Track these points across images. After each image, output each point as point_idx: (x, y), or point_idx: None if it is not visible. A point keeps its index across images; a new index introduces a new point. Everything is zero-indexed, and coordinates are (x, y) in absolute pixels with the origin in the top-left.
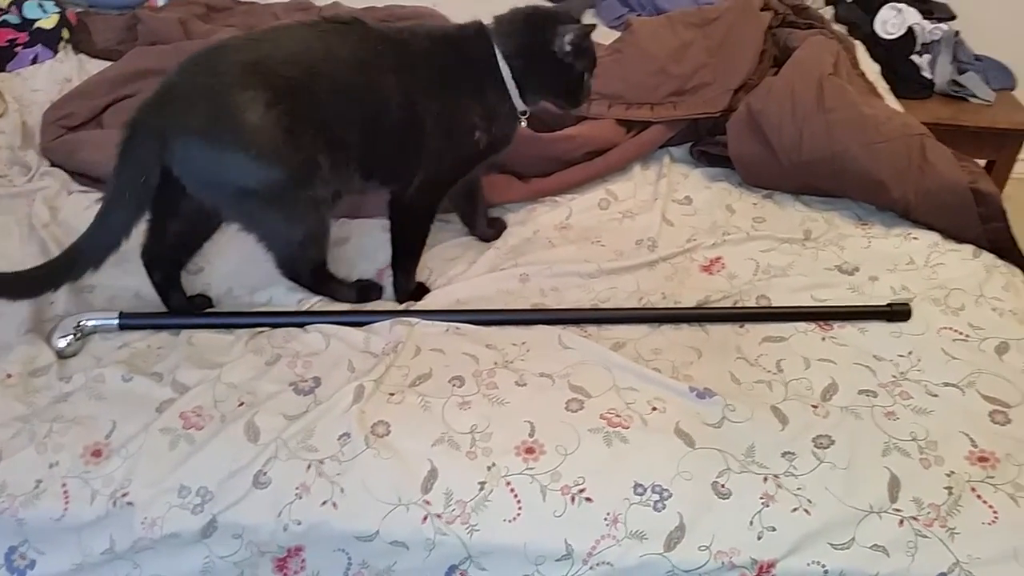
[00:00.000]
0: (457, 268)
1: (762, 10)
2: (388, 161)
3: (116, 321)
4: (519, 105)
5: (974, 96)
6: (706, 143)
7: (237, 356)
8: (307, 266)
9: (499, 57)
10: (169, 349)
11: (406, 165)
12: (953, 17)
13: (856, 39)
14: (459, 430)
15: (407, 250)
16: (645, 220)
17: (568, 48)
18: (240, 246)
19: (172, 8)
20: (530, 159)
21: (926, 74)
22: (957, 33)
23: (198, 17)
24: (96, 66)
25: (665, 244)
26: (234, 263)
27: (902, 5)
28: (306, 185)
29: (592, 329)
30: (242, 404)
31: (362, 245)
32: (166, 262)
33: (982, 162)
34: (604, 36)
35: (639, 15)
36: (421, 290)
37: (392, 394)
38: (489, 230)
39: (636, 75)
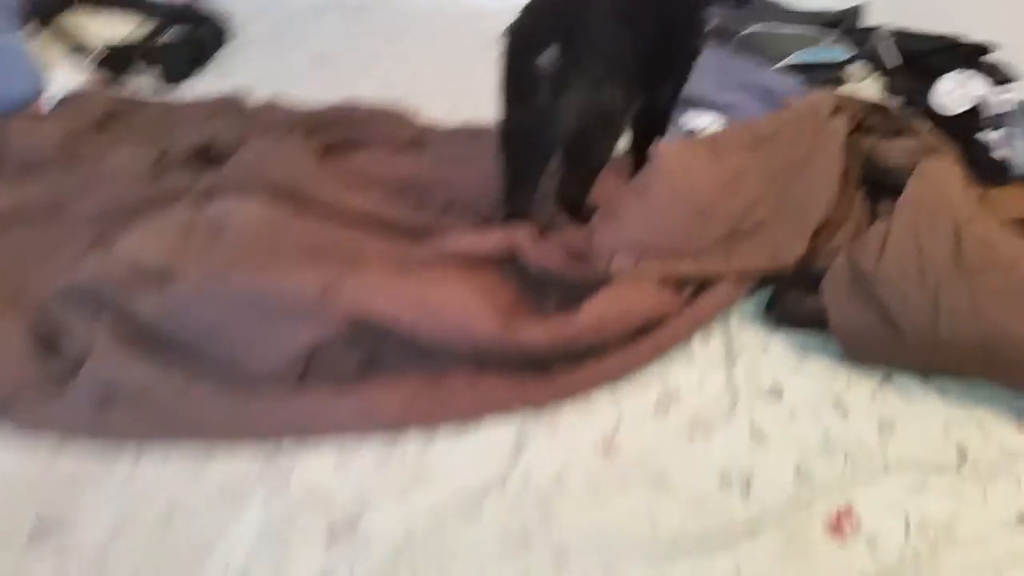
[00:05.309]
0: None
1: (832, 114)
2: None
3: None
4: None
5: None
6: (788, 302)
7: None
8: None
9: None
10: None
11: None
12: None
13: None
14: None
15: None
16: (726, 439)
17: None
18: None
19: (58, 117)
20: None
21: (997, 154)
22: None
23: (90, 128)
24: None
25: (764, 483)
26: None
27: (967, 72)
28: None
29: None
30: None
31: None
32: None
33: None
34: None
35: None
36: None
37: None
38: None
39: (669, 218)
